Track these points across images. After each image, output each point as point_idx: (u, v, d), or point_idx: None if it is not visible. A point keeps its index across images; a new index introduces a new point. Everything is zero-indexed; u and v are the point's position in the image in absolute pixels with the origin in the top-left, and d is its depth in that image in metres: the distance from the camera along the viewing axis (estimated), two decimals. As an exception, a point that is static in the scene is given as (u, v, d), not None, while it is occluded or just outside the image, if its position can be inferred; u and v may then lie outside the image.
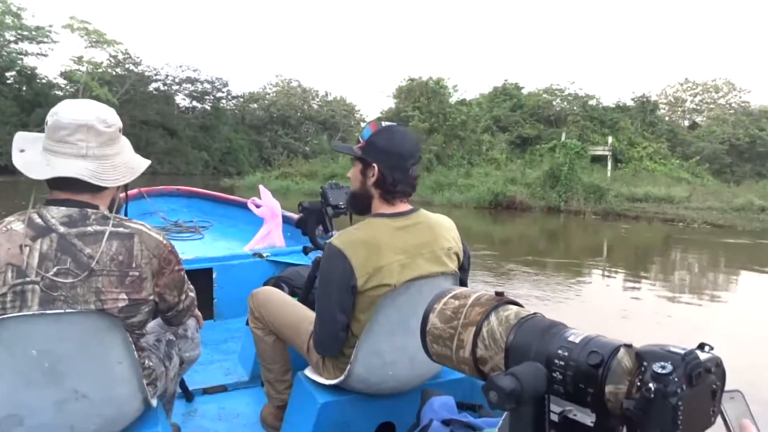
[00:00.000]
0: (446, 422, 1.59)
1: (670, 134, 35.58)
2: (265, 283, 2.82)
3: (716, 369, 0.74)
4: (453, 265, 1.85)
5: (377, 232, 1.75)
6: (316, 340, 1.88)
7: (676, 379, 0.69)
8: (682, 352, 0.71)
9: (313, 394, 1.95)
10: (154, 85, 51.39)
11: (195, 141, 49.99)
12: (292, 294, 2.66)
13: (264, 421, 2.37)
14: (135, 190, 5.06)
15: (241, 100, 57.61)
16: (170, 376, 1.88)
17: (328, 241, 1.80)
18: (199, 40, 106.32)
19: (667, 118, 40.78)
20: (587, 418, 0.82)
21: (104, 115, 1.54)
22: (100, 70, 43.63)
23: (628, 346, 0.77)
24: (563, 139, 27.36)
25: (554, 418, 0.84)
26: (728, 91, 43.96)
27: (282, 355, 2.24)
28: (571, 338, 0.81)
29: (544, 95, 37.53)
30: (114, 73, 46.34)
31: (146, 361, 1.71)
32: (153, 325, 1.91)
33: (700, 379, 0.71)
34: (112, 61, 46.29)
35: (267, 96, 58.04)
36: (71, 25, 41.12)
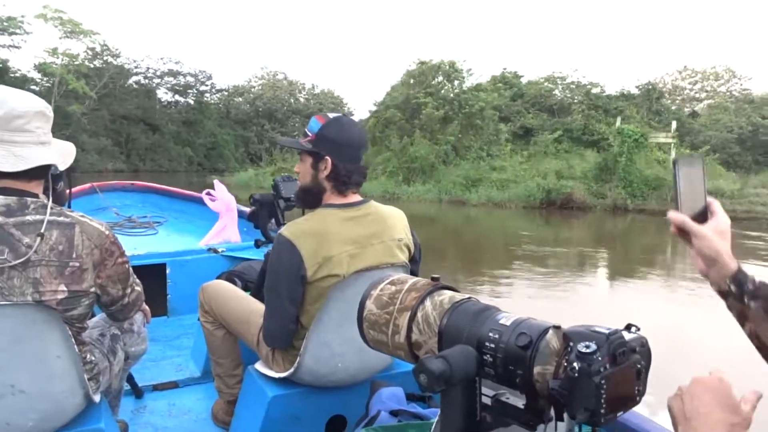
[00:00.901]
0: (394, 413, 1.59)
1: (678, 123, 31.32)
2: (218, 278, 2.78)
3: (641, 349, 0.75)
4: (403, 257, 1.85)
5: (327, 222, 1.74)
6: (266, 333, 1.86)
7: (599, 358, 0.69)
8: (607, 331, 0.72)
9: (263, 388, 1.93)
10: (134, 78, 49.56)
11: (178, 136, 48.39)
12: (245, 288, 2.62)
13: (215, 417, 2.34)
14: (87, 185, 4.93)
15: (226, 93, 55.71)
16: (115, 371, 1.83)
17: (277, 232, 1.78)
18: (181, 31, 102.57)
19: (674, 107, 39.26)
20: (519, 400, 0.82)
21: (43, 101, 1.53)
22: (76, 63, 41.82)
23: (557, 328, 0.77)
24: (618, 125, 22.97)
25: (487, 401, 0.85)
26: (728, 79, 43.03)
27: (232, 349, 2.21)
28: (502, 321, 0.81)
29: (546, 84, 36.07)
30: (92, 65, 44.39)
31: (88, 356, 1.66)
32: (97, 319, 1.86)
33: (624, 358, 0.72)
34: (90, 53, 44.44)
35: (252, 89, 56.06)
36: (44, 15, 39.11)
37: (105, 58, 45.79)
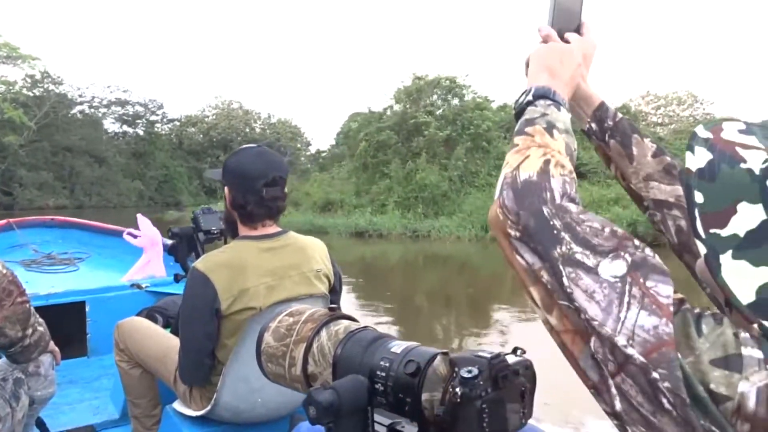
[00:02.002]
0: (313, 447, 1.56)
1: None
2: (138, 314, 2.68)
3: (525, 371, 0.77)
4: (323, 287, 1.84)
5: (242, 254, 1.72)
6: (181, 370, 1.80)
7: (481, 383, 0.70)
8: (489, 356, 0.73)
9: (180, 428, 1.86)
10: (78, 107, 46.37)
11: (127, 169, 45.59)
12: (167, 324, 2.54)
13: (133, 461, 2.23)
14: (3, 222, 4.69)
15: (178, 123, 53.00)
16: (18, 417, 1.73)
17: (192, 265, 1.75)
18: (129, 58, 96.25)
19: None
20: (413, 429, 0.82)
21: None
22: (13, 90, 38.82)
23: (445, 354, 0.78)
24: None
25: (382, 430, 0.84)
26: (691, 103, 42.77)
27: (149, 389, 2.13)
28: (393, 349, 0.82)
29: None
30: (31, 94, 41.34)
31: (-14, 402, 1.56)
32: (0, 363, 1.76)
33: (507, 381, 0.73)
34: (29, 80, 41.51)
35: (206, 119, 53.35)
36: (-25, 38, 35.94)
37: (46, 85, 42.91)
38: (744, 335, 0.57)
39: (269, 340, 0.94)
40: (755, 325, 0.56)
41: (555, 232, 0.65)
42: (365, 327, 0.90)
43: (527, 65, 0.94)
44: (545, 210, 0.67)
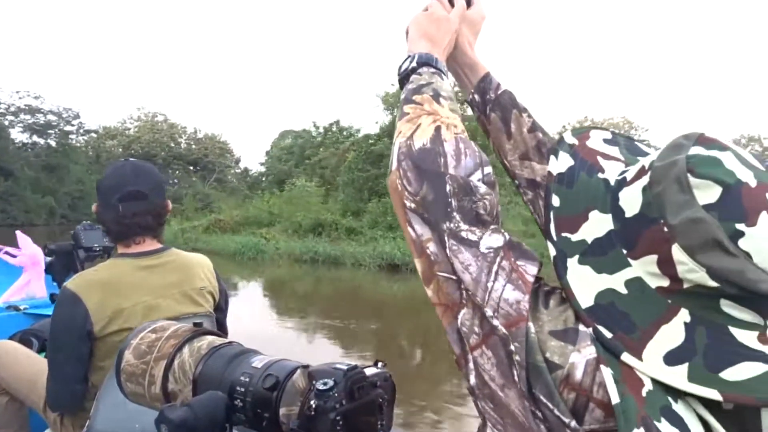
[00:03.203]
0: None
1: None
2: (11, 338, 2.49)
3: (383, 383, 0.78)
4: (207, 305, 1.79)
5: (118, 272, 1.64)
6: (50, 396, 1.69)
7: (336, 394, 0.71)
8: (345, 368, 0.74)
9: None
10: None
11: (37, 184, 41.36)
12: (42, 348, 2.38)
13: (-3, 497, 2.06)
14: None
15: (95, 135, 49.03)
16: None
17: (63, 284, 1.65)
18: (41, 61, 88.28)
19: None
20: (275, 445, 0.81)
21: None
22: None
23: (305, 367, 0.78)
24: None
25: (244, 448, 0.82)
26: (627, 129, 44.26)
27: (17, 417, 1.98)
28: (254, 364, 0.81)
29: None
30: None
31: None
32: None
33: (364, 392, 0.74)
34: None
35: (127, 131, 49.50)
36: None
37: (-62, 89, 37.30)
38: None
39: (129, 358, 0.90)
40: (591, 329, 0.59)
41: (449, 209, 0.66)
42: (230, 342, 0.88)
43: (407, 33, 0.96)
44: (447, 186, 0.67)
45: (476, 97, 1.06)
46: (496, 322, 0.60)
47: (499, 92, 1.05)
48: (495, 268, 0.62)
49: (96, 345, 1.61)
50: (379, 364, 0.80)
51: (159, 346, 0.88)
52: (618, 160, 0.70)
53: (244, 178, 42.31)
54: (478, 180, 0.69)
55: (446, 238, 0.65)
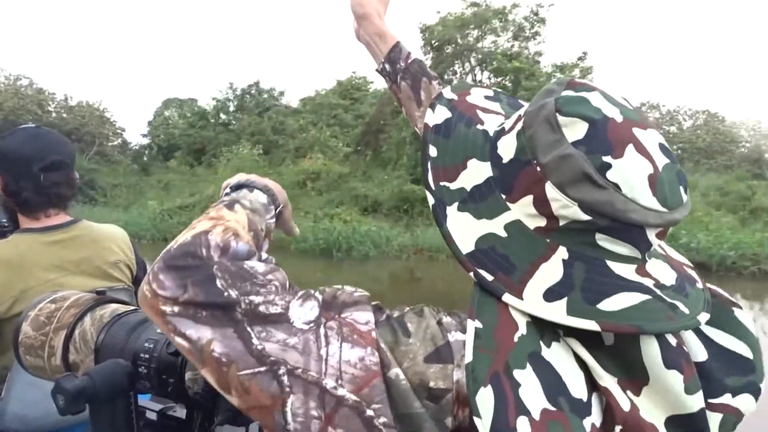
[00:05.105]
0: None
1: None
2: None
3: None
4: (124, 278, 1.72)
5: (22, 249, 1.54)
6: None
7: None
8: None
9: None
10: None
11: None
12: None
13: None
14: None
15: None
16: None
17: None
18: None
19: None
20: (184, 411, 0.80)
21: None
22: None
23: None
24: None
25: (153, 416, 0.81)
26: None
27: None
28: (159, 330, 0.78)
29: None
30: None
31: None
32: None
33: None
34: None
35: None
36: None
37: None
38: (446, 319, 0.60)
39: (27, 330, 0.86)
40: (471, 273, 0.59)
41: (227, 294, 0.57)
42: (135, 309, 0.85)
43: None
44: (217, 275, 0.58)
45: (386, 66, 1.08)
46: (342, 391, 0.53)
47: (409, 61, 1.07)
48: (322, 332, 0.55)
49: (3, 326, 1.53)
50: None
51: (59, 317, 0.84)
52: (498, 113, 0.71)
53: (123, 151, 38.61)
54: (254, 261, 0.61)
55: (245, 326, 0.55)
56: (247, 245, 0.63)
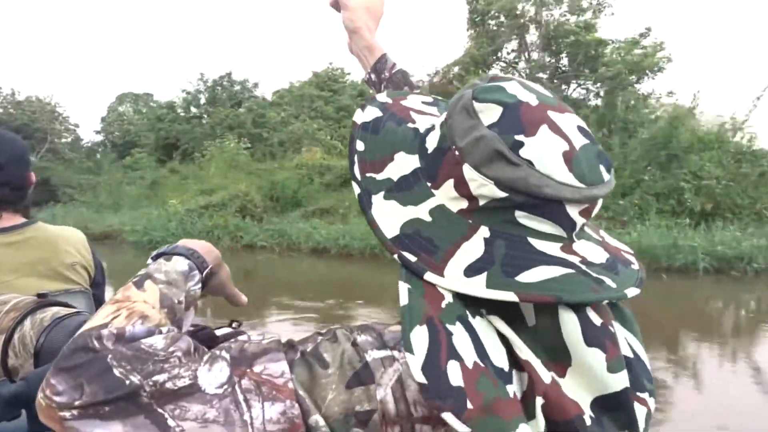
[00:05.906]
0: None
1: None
2: None
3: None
4: (81, 281, 1.69)
5: None
6: None
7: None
8: (193, 328, 0.72)
9: None
10: None
11: None
12: None
13: None
14: None
15: None
16: None
17: None
18: None
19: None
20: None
21: None
22: None
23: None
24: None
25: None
26: None
27: None
28: (100, 332, 0.77)
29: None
30: None
31: None
32: None
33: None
34: None
35: None
36: None
37: None
38: (361, 338, 0.59)
39: (-35, 335, 0.83)
40: (396, 256, 0.60)
41: (128, 382, 0.53)
42: (78, 312, 0.84)
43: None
44: (113, 363, 0.54)
45: (372, 76, 1.15)
46: None
47: (393, 71, 1.13)
48: (240, 397, 0.54)
49: None
50: (234, 324, 0.79)
51: (-3, 321, 0.82)
52: (433, 115, 0.72)
53: (76, 148, 36.27)
54: (153, 337, 0.57)
55: (154, 409, 0.52)
56: (146, 326, 0.59)
